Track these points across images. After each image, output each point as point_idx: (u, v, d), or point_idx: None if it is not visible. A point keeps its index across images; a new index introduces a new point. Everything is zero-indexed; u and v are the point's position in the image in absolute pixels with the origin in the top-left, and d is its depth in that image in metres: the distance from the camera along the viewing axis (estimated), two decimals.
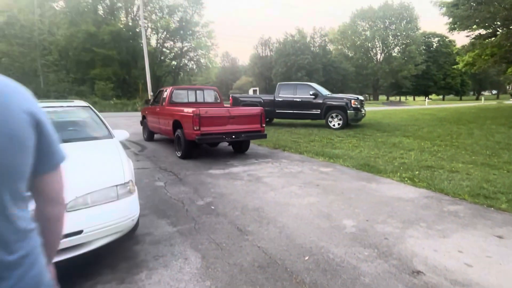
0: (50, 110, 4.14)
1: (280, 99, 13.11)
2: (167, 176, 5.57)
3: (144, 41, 20.94)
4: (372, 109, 26.24)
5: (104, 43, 32.39)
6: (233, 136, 6.75)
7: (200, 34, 42.59)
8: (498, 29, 17.80)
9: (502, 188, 4.59)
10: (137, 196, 2.85)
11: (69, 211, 2.35)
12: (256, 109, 7.28)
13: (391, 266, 2.63)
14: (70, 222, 2.32)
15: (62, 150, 0.95)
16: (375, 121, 15.02)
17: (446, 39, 59.95)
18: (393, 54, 57.26)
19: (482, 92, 74.20)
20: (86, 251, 2.44)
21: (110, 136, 3.84)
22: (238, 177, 5.51)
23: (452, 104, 40.03)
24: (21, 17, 29.85)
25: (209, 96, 9.11)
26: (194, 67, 46.48)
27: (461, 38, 62.20)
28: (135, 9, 38.18)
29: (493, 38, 17.78)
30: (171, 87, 8.74)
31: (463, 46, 20.82)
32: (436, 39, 62.48)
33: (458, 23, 18.04)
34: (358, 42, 57.74)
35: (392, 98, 66.97)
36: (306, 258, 2.78)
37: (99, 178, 2.68)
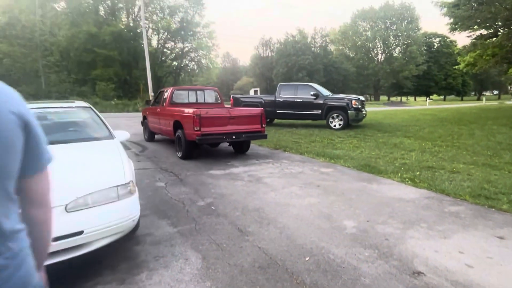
0: (51, 111, 4.16)
1: (281, 100, 13.10)
2: (167, 177, 5.58)
3: (145, 41, 20.96)
4: (373, 110, 26.21)
5: (105, 44, 32.44)
6: (234, 137, 6.75)
7: (201, 35, 42.66)
8: (499, 29, 17.77)
9: (503, 189, 4.58)
10: (137, 196, 2.86)
11: (69, 212, 2.36)
12: (257, 110, 7.28)
13: (391, 267, 2.63)
14: (70, 223, 2.33)
15: (49, 152, 0.94)
16: (376, 122, 15.01)
17: (447, 40, 59.88)
18: (394, 55, 57.22)
19: (484, 93, 74.03)
20: (86, 252, 2.44)
21: (110, 136, 3.85)
22: (239, 177, 5.51)
23: (453, 105, 39.96)
24: (23, 18, 29.93)
25: (210, 96, 9.12)
26: (195, 67, 46.52)
27: (462, 39, 62.42)
28: (136, 9, 38.24)
29: (494, 39, 17.75)
30: (171, 88, 8.75)
31: (464, 47, 20.80)
32: (437, 39, 62.39)
33: (459, 24, 18.01)
34: (359, 42, 57.70)
35: (393, 99, 66.95)
36: (307, 258, 2.78)
37: (99, 178, 2.69)
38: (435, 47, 62.20)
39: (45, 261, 1.02)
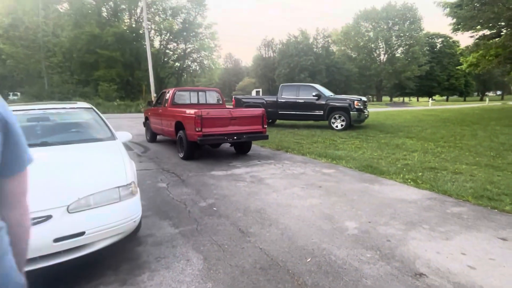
0: (53, 112, 4.18)
1: (283, 100, 13.11)
2: (169, 178, 5.59)
3: (147, 42, 21.03)
4: (375, 110, 26.17)
5: (108, 45, 32.55)
6: (235, 137, 6.75)
7: (203, 36, 42.74)
8: (502, 29, 17.70)
9: (506, 190, 4.56)
10: (139, 197, 2.86)
11: (71, 213, 2.36)
12: (258, 110, 7.29)
13: (393, 269, 2.62)
14: (72, 224, 2.34)
15: (29, 153, 0.93)
16: (378, 122, 14.97)
17: (450, 40, 59.71)
18: (396, 55, 57.13)
19: (487, 93, 73.77)
20: (88, 253, 2.44)
21: (112, 137, 3.86)
22: (241, 178, 5.51)
23: (456, 105, 39.85)
24: (26, 19, 30.10)
25: (211, 97, 9.14)
26: (197, 68, 46.61)
27: (465, 39, 62.10)
28: (138, 11, 38.39)
29: (497, 39, 17.68)
30: (173, 89, 8.77)
31: (467, 47, 20.71)
32: (440, 39, 62.23)
33: (462, 24, 17.95)
34: (361, 43, 57.63)
35: (395, 99, 66.80)
36: (308, 260, 2.77)
37: (101, 179, 2.69)
38: (437, 48, 62.03)
39: (25, 260, 1.01)
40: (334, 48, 60.96)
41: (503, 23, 17.11)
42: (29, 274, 2.23)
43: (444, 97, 70.94)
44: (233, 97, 15.02)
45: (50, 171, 2.74)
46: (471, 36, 19.25)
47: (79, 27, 31.99)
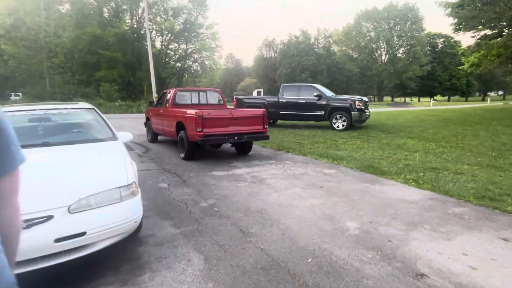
0: (54, 112, 4.18)
1: (284, 101, 13.10)
2: (170, 178, 5.59)
3: (148, 43, 21.05)
4: (377, 110, 26.15)
5: (109, 45, 32.62)
6: (236, 138, 6.76)
7: (204, 36, 42.79)
8: (504, 29, 17.67)
9: (508, 190, 4.54)
10: (140, 197, 2.86)
11: (72, 213, 2.36)
12: (259, 111, 7.30)
13: (394, 269, 2.62)
14: (73, 224, 2.34)
15: (21, 152, 0.93)
16: (380, 123, 14.96)
17: (452, 40, 59.61)
18: (397, 55, 57.09)
19: (488, 93, 73.58)
20: (89, 253, 2.44)
21: (114, 138, 3.86)
22: (242, 178, 5.51)
23: (458, 105, 39.76)
24: (28, 20, 30.21)
25: (212, 97, 9.15)
26: (199, 68, 46.68)
27: (466, 39, 61.54)
28: (140, 11, 38.46)
29: (499, 39, 17.64)
30: (174, 89, 8.79)
31: (468, 47, 20.68)
32: (441, 39, 62.14)
33: (464, 24, 17.93)
34: (363, 43, 57.62)
35: (397, 99, 66.71)
36: (309, 260, 2.77)
37: (102, 179, 2.69)
38: (439, 48, 61.93)
39: (15, 260, 1.00)
40: (335, 48, 60.97)
41: (504, 23, 17.08)
42: (30, 274, 2.25)
43: (446, 97, 70.83)
44: (234, 97, 15.02)
45: (51, 172, 2.75)
46: (473, 36, 19.24)
47: (81, 28, 32.07)
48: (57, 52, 32.76)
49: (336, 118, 11.99)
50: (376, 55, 59.15)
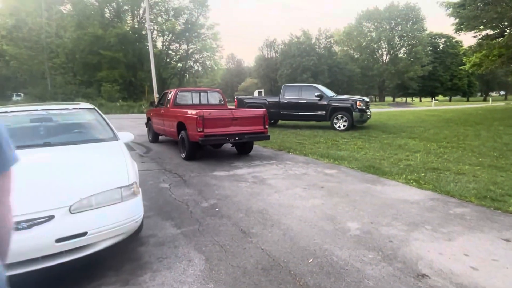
0: (56, 113, 4.19)
1: (285, 101, 13.10)
2: (171, 178, 5.59)
3: (150, 43, 21.08)
4: (378, 111, 26.12)
5: (111, 46, 32.70)
6: (237, 138, 6.76)
7: (205, 36, 42.87)
8: (505, 29, 17.61)
9: (509, 191, 4.53)
10: (141, 198, 2.87)
11: (73, 213, 2.37)
12: (259, 111, 7.30)
13: (395, 270, 2.61)
14: (74, 224, 2.34)
15: (14, 152, 0.93)
16: (381, 123, 14.94)
17: (453, 40, 59.52)
18: (399, 55, 57.03)
19: (490, 93, 73.38)
20: (90, 253, 2.45)
21: (115, 138, 3.87)
22: (243, 179, 5.51)
23: (459, 105, 39.68)
24: (29, 20, 30.30)
25: (213, 98, 9.16)
26: (200, 69, 46.76)
27: (468, 39, 61.75)
28: (141, 11, 38.56)
29: (501, 39, 17.58)
30: (175, 89, 8.80)
31: (470, 47, 20.63)
32: (443, 39, 62.05)
33: (465, 24, 17.87)
34: (364, 43, 57.59)
35: (398, 100, 66.62)
36: (310, 260, 2.77)
37: (103, 180, 2.70)
38: (440, 48, 61.84)
39: (6, 259, 0.99)
40: (336, 48, 60.93)
41: (506, 23, 17.03)
42: (31, 274, 2.25)
43: (447, 97, 70.68)
44: (236, 97, 15.03)
45: (53, 172, 2.76)
46: (474, 36, 19.19)
47: (82, 28, 32.16)
48: (58, 52, 32.86)
49: (337, 118, 11.97)
50: (378, 55, 59.11)
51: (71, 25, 33.07)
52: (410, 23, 54.89)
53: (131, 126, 14.64)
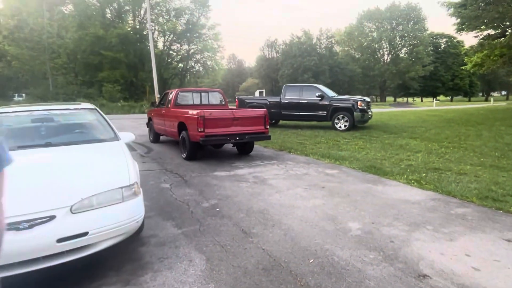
0: (57, 113, 4.20)
1: (286, 101, 13.09)
2: (172, 178, 5.60)
3: (151, 43, 21.09)
4: (379, 111, 26.08)
5: (112, 46, 32.75)
6: (237, 138, 6.76)
7: (206, 37, 42.91)
8: (507, 29, 17.57)
9: (511, 191, 4.52)
10: (142, 198, 2.87)
11: (74, 213, 2.37)
12: (260, 111, 7.30)
13: (396, 270, 2.61)
14: (75, 224, 2.35)
15: (8, 154, 0.92)
16: (382, 123, 14.92)
17: (454, 40, 59.40)
18: (400, 55, 56.93)
19: (491, 93, 73.18)
20: (91, 253, 2.45)
21: (116, 138, 3.87)
22: (243, 179, 5.51)
23: (461, 106, 39.61)
24: (31, 21, 30.38)
25: (214, 98, 9.16)
26: (201, 69, 46.81)
27: (469, 39, 61.40)
28: (142, 12, 38.60)
29: (502, 39, 17.54)
30: (176, 90, 8.81)
31: (471, 47, 20.57)
32: (444, 39, 61.92)
33: (466, 24, 17.83)
34: (365, 43, 57.50)
35: (399, 100, 66.56)
36: (311, 261, 2.76)
37: (104, 180, 2.70)
38: (442, 48, 61.73)
39: None
40: (337, 48, 60.88)
41: (508, 23, 16.99)
42: (32, 274, 2.26)
43: (449, 98, 70.55)
44: (237, 97, 15.03)
45: (54, 172, 2.76)
46: (476, 36, 19.14)
47: (83, 29, 32.23)
48: (60, 53, 32.94)
49: (338, 119, 11.96)
50: (379, 55, 59.02)
51: (73, 25, 33.15)
52: (412, 23, 54.78)
53: (132, 126, 14.65)
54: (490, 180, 5.12)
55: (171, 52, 42.95)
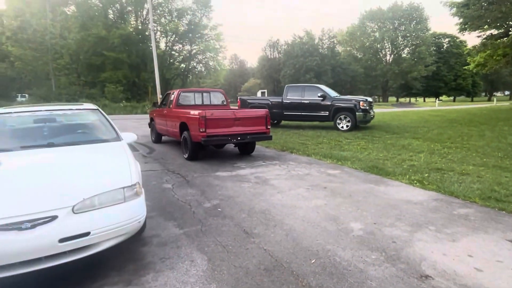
0: (59, 113, 4.21)
1: (288, 101, 13.09)
2: (174, 178, 5.60)
3: (153, 44, 21.16)
4: (381, 111, 26.02)
5: (114, 47, 32.83)
6: (239, 138, 6.77)
7: (208, 37, 42.90)
8: (510, 29, 17.51)
9: None
10: (143, 198, 2.87)
11: (76, 213, 2.38)
12: (261, 111, 7.30)
13: (398, 270, 2.60)
14: (77, 224, 2.35)
15: None
16: (384, 123, 14.88)
17: (457, 40, 59.22)
18: (402, 55, 56.79)
19: (494, 93, 72.89)
20: (93, 253, 2.46)
21: (118, 138, 3.88)
22: (245, 179, 5.51)
23: (463, 106, 39.46)
24: (34, 22, 30.50)
25: (216, 98, 9.18)
26: (203, 69, 46.81)
27: (472, 39, 61.49)
28: (144, 12, 38.67)
29: (505, 38, 17.49)
30: (178, 90, 8.83)
31: (474, 47, 20.51)
32: (447, 39, 61.76)
33: (469, 24, 17.78)
34: (367, 43, 57.38)
35: (401, 100, 66.40)
36: (313, 261, 2.76)
37: (106, 180, 2.71)
38: (444, 48, 61.54)
39: None
40: (339, 48, 60.78)
41: (511, 22, 16.92)
42: (34, 274, 2.26)
43: (451, 98, 70.28)
44: (239, 98, 15.03)
45: (56, 172, 2.77)
46: (478, 36, 19.09)
47: (86, 29, 32.32)
48: (62, 53, 33.04)
49: (340, 119, 11.94)
50: (381, 55, 58.88)
51: (75, 26, 33.24)
52: (414, 23, 54.63)
53: (135, 126, 14.69)
54: (493, 180, 5.10)
55: (173, 52, 43.00)
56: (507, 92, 76.66)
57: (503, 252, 2.87)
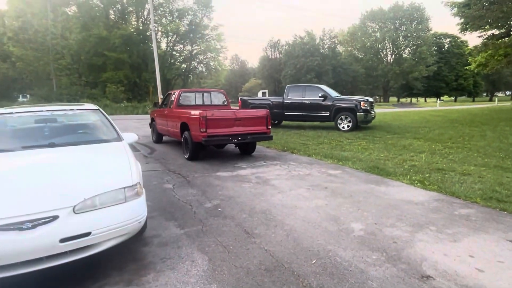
0: (60, 114, 4.22)
1: (289, 101, 13.08)
2: (175, 178, 5.61)
3: (154, 44, 21.16)
4: (382, 111, 26.00)
5: (115, 47, 32.89)
6: (239, 138, 6.78)
7: (209, 37, 42.99)
8: (511, 28, 17.46)
9: None
10: (144, 198, 2.87)
11: (77, 213, 2.38)
12: (262, 111, 7.31)
13: (399, 271, 2.59)
14: (78, 224, 2.35)
15: None
16: (385, 123, 14.87)
17: (458, 40, 59.07)
18: (403, 55, 56.72)
19: (496, 93, 72.69)
20: (94, 253, 2.46)
21: (119, 138, 3.88)
22: (246, 179, 5.51)
23: (465, 106, 39.40)
24: (35, 22, 30.56)
25: (216, 98, 9.19)
26: (204, 69, 46.87)
27: (473, 39, 61.19)
28: (145, 13, 38.74)
29: (507, 38, 17.43)
30: (178, 90, 8.84)
31: (475, 47, 20.45)
32: (448, 39, 61.62)
33: (470, 24, 17.74)
34: (368, 43, 57.33)
35: (402, 100, 66.32)
36: (313, 261, 2.76)
37: (107, 180, 2.71)
38: (445, 48, 61.43)
39: None
40: (340, 48, 60.76)
41: None
42: (35, 274, 2.27)
43: (452, 98, 70.19)
44: (239, 98, 15.03)
45: (57, 172, 2.77)
46: (480, 36, 19.03)
47: (87, 30, 32.39)
48: (64, 54, 33.10)
49: (341, 119, 11.94)
50: (382, 55, 58.82)
51: (76, 26, 33.31)
52: (415, 23, 54.56)
53: (136, 127, 14.70)
54: (494, 180, 5.09)
55: (174, 52, 43.07)
56: (508, 92, 76.46)
57: (504, 253, 2.86)
